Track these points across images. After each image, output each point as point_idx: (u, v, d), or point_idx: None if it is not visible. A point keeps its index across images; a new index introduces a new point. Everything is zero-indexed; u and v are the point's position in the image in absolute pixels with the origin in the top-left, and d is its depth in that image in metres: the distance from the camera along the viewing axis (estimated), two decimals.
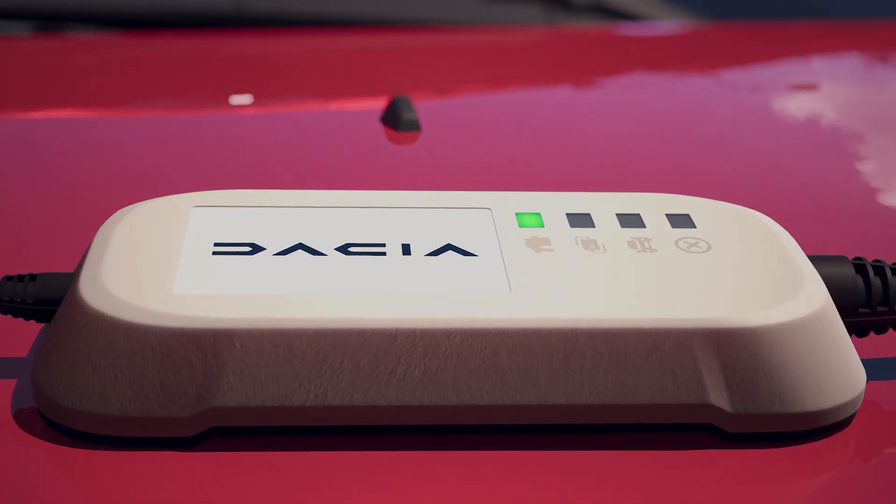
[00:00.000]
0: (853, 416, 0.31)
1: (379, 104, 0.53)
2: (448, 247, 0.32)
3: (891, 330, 0.34)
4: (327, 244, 0.32)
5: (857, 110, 0.55)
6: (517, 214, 0.33)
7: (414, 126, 0.50)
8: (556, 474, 0.28)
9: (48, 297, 0.31)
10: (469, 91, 0.56)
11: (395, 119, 0.51)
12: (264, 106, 0.53)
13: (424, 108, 0.53)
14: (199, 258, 0.31)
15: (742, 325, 0.29)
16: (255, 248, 0.31)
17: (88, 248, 0.32)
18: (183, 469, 0.28)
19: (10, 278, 0.31)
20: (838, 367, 0.30)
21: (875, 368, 0.33)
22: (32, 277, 0.31)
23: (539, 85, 0.57)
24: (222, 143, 0.48)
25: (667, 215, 0.34)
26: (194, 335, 0.28)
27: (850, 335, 0.33)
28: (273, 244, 0.32)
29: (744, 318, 0.29)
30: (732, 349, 0.29)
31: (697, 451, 0.29)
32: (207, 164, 0.46)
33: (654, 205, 0.34)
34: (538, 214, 0.33)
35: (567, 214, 0.33)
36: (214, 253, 0.31)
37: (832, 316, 0.30)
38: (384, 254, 0.31)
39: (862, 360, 0.33)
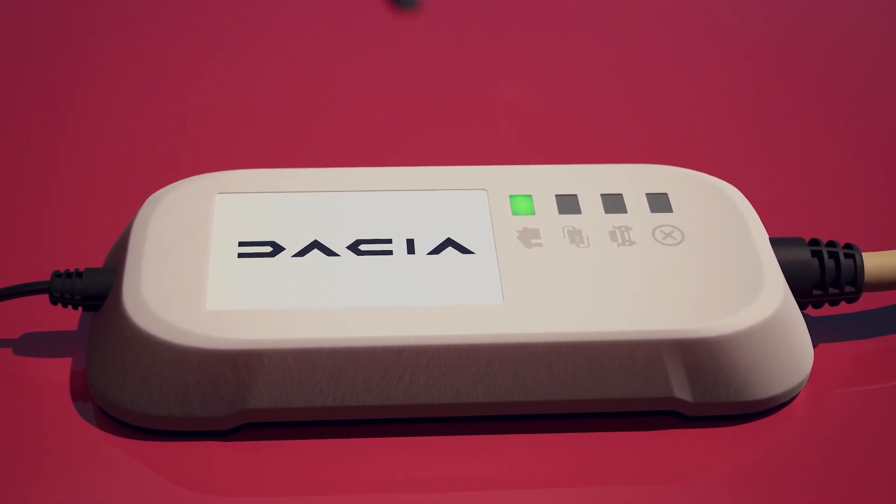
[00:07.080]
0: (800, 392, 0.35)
1: None
2: (448, 242, 0.36)
3: (843, 303, 0.38)
4: (339, 242, 0.36)
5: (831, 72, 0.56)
6: (510, 198, 0.37)
7: (413, 4, 0.52)
8: (538, 449, 0.33)
9: (94, 294, 0.35)
10: None
11: None
12: None
13: None
14: (226, 263, 0.35)
15: (705, 335, 0.33)
16: (276, 249, 0.35)
17: (125, 239, 0.36)
18: (221, 455, 0.33)
19: (58, 274, 0.35)
20: (791, 358, 0.34)
21: (818, 328, 0.37)
22: (79, 274, 0.35)
23: None
24: (218, 23, 0.51)
25: (647, 195, 0.37)
26: (227, 354, 0.33)
27: (806, 307, 0.37)
28: (291, 242, 0.35)
29: (707, 327, 0.33)
30: (696, 354, 0.33)
31: (662, 430, 0.34)
32: (206, 60, 0.49)
33: (635, 181, 0.38)
34: (529, 197, 0.37)
35: (556, 196, 0.37)
36: (240, 255, 0.35)
37: (789, 313, 0.35)
38: (391, 252, 0.35)
39: (804, 314, 0.38)
